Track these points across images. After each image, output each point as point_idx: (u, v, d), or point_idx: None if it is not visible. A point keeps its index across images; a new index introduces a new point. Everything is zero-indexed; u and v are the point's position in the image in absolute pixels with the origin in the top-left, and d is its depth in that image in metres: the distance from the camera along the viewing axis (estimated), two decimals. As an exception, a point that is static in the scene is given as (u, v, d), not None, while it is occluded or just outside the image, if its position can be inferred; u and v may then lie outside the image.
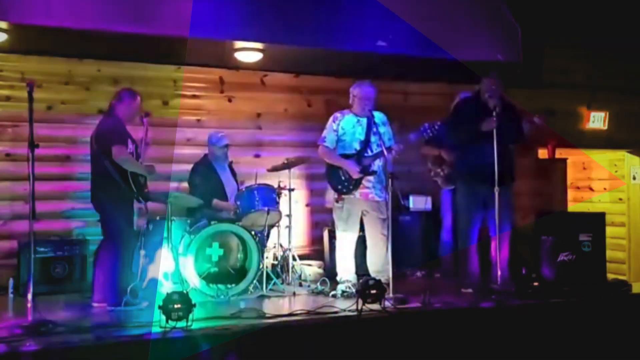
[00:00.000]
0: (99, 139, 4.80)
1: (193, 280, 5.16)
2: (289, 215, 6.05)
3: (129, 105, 4.97)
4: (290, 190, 6.04)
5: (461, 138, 5.43)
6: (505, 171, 5.25)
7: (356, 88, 5.40)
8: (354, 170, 5.26)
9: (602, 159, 8.87)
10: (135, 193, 4.76)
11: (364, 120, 5.35)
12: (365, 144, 5.34)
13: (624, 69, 7.86)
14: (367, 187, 5.34)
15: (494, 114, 5.17)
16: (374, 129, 5.24)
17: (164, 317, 3.99)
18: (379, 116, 5.40)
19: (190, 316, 4.03)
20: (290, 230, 6.04)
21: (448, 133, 5.58)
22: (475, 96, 5.56)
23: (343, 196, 5.36)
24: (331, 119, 5.47)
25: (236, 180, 6.15)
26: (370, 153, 5.32)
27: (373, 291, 4.55)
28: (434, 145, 6.24)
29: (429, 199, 6.74)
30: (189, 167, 6.06)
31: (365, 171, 5.28)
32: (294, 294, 5.44)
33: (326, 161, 5.45)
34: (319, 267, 6.38)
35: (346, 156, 5.34)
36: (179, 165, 6.27)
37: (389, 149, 5.20)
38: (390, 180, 4.94)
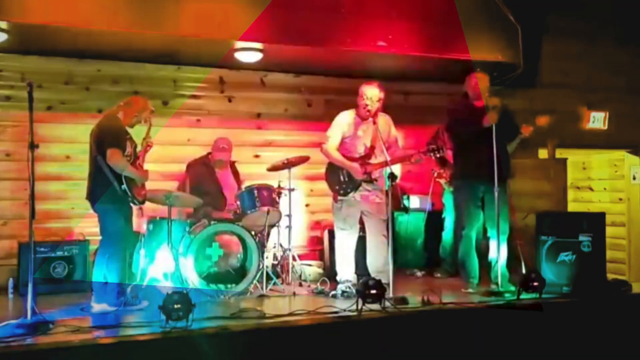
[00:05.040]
0: (96, 140, 4.80)
1: (193, 280, 5.16)
2: (289, 215, 6.04)
3: (137, 113, 4.97)
4: (290, 190, 6.04)
5: (466, 138, 5.41)
6: (501, 170, 5.25)
7: (362, 88, 5.33)
8: (357, 173, 5.25)
9: (602, 159, 8.87)
10: (129, 196, 4.75)
11: (370, 124, 5.28)
12: (371, 149, 5.32)
13: (624, 69, 7.86)
14: (367, 190, 5.33)
15: (494, 109, 5.16)
16: (379, 134, 5.18)
17: (164, 317, 4.00)
18: (383, 119, 5.38)
19: (190, 316, 4.04)
20: (290, 230, 6.03)
21: (451, 134, 5.58)
22: (465, 96, 5.55)
23: (340, 197, 5.36)
24: (338, 117, 5.43)
25: (238, 181, 6.15)
26: (374, 160, 5.31)
27: (373, 291, 4.55)
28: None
29: (429, 198, 6.74)
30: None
31: (367, 178, 5.27)
32: (294, 294, 5.43)
33: (328, 160, 5.44)
34: (319, 267, 6.38)
35: (349, 159, 5.33)
36: (179, 165, 6.27)
37: (394, 158, 5.17)
38: (390, 180, 4.94)
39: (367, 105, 5.25)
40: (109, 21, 5.29)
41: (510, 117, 5.53)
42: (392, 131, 5.46)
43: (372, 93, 5.26)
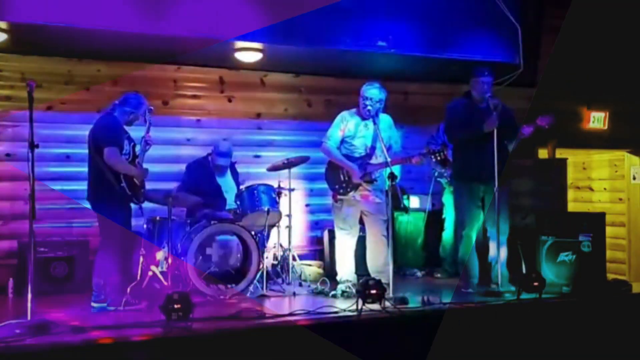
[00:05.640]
0: (93, 139, 4.80)
1: (193, 280, 5.16)
2: (289, 215, 6.04)
3: (133, 110, 4.95)
4: (290, 190, 6.04)
5: (463, 138, 5.43)
6: (501, 170, 5.26)
7: (363, 88, 5.33)
8: (355, 174, 5.25)
9: (602, 159, 8.88)
10: (128, 195, 4.75)
11: (370, 124, 5.28)
12: (371, 149, 5.32)
13: (624, 69, 7.86)
14: (367, 190, 5.33)
15: (495, 113, 5.17)
16: (379, 135, 5.18)
17: (164, 317, 3.99)
18: (384, 120, 5.38)
19: (190, 316, 4.03)
20: (290, 230, 6.04)
21: (449, 135, 5.59)
22: (466, 97, 5.56)
23: (340, 197, 5.36)
24: (339, 117, 5.43)
25: (237, 181, 6.15)
26: (375, 160, 5.30)
27: (373, 291, 4.55)
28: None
29: (429, 198, 6.75)
30: (189, 167, 6.07)
31: (367, 178, 5.27)
32: (294, 294, 5.43)
33: (329, 159, 5.44)
34: (319, 267, 6.38)
35: (349, 159, 5.33)
36: (179, 165, 6.27)
37: (394, 160, 5.16)
38: (390, 180, 4.93)
39: (367, 105, 5.25)
40: (109, 21, 5.29)
41: (511, 117, 5.52)
42: (393, 131, 5.45)
43: (372, 93, 5.26)
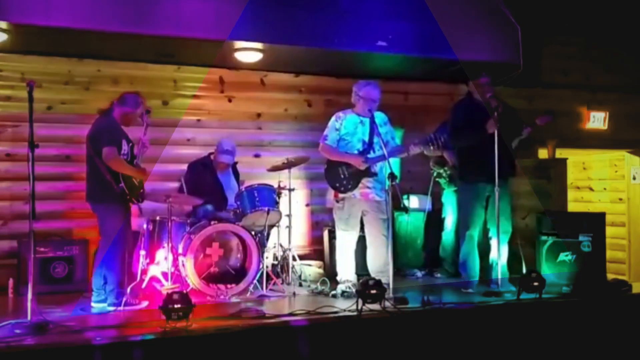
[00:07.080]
0: (92, 140, 4.80)
1: (193, 280, 5.16)
2: (289, 215, 6.04)
3: (130, 110, 4.95)
4: (290, 190, 6.04)
5: (468, 143, 5.43)
6: (505, 169, 5.26)
7: (361, 88, 5.33)
8: (358, 162, 5.23)
9: (602, 159, 8.88)
10: (127, 195, 4.75)
11: (367, 121, 5.30)
12: (369, 145, 5.33)
13: (624, 69, 7.87)
14: (368, 187, 5.33)
15: (496, 114, 5.17)
16: (376, 130, 5.20)
17: (164, 317, 3.99)
18: (379, 116, 5.38)
19: (190, 316, 4.04)
20: (290, 230, 6.03)
21: (453, 139, 5.58)
22: (468, 98, 5.55)
23: (341, 195, 5.36)
24: (333, 117, 5.43)
25: (238, 182, 6.15)
26: (372, 154, 5.31)
27: (373, 291, 4.55)
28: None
29: (429, 198, 6.75)
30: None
31: (367, 169, 5.27)
32: (294, 294, 5.43)
33: (328, 158, 5.44)
34: (319, 267, 6.37)
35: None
36: (179, 165, 6.27)
37: (391, 151, 5.18)
38: (390, 180, 4.93)
39: (370, 104, 5.25)
40: (109, 22, 5.29)
41: (513, 114, 5.53)
42: (389, 127, 5.45)
43: (375, 94, 5.28)
